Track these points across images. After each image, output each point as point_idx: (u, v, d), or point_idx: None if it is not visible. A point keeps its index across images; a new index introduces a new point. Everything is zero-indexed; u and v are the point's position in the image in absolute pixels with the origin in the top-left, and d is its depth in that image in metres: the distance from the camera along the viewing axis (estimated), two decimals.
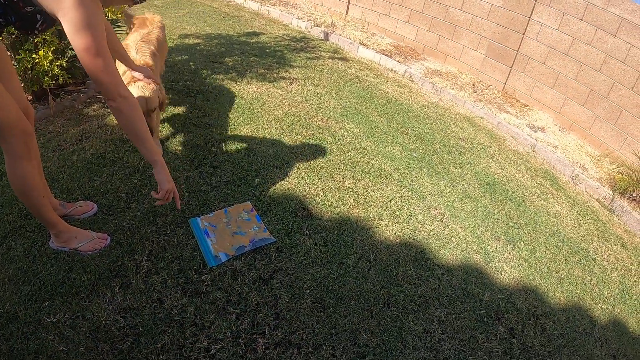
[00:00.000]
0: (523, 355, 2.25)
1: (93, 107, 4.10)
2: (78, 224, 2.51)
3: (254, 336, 2.01)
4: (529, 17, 5.04)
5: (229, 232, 2.47)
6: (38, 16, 1.93)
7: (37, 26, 2.00)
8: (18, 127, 2.01)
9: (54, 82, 3.93)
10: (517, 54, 5.25)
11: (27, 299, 2.21)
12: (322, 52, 5.69)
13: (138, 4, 2.05)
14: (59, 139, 3.59)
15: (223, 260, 2.32)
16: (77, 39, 1.85)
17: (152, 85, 2.81)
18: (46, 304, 2.17)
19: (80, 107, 4.14)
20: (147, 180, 2.87)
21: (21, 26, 2.00)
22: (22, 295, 2.23)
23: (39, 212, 2.29)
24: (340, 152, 3.33)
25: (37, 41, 3.91)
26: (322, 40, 6.38)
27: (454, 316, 2.31)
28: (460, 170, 3.55)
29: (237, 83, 4.26)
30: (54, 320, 2.09)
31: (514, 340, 2.31)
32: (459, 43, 5.86)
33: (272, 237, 2.47)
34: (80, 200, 2.66)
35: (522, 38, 5.17)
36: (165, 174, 2.14)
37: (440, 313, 2.30)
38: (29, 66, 3.89)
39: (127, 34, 3.58)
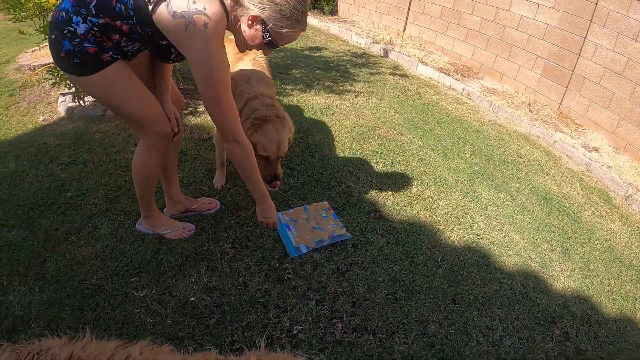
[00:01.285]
0: (577, 357, 2.41)
1: None
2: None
3: (333, 320, 2.25)
4: (584, 38, 5.16)
5: (309, 227, 2.74)
6: (172, 50, 2.18)
7: (171, 57, 2.27)
8: (158, 126, 2.29)
9: None
10: (572, 74, 5.36)
11: (114, 274, 2.48)
12: (383, 68, 5.96)
13: (274, 48, 2.17)
14: None
15: (304, 252, 2.58)
16: (202, 86, 2.07)
17: (289, 126, 2.70)
18: (133, 279, 2.43)
19: None
20: (230, 175, 3.15)
21: (156, 55, 2.29)
22: (109, 270, 2.50)
23: (145, 196, 2.56)
24: (407, 162, 3.57)
25: None
26: (381, 56, 6.65)
27: (513, 316, 2.49)
28: (518, 185, 3.74)
29: (306, 94, 4.57)
30: (142, 295, 2.34)
31: (568, 343, 2.47)
32: (515, 62, 6.01)
33: (349, 234, 2.73)
34: (202, 197, 2.94)
35: (578, 58, 5.28)
36: (270, 211, 2.41)
37: (501, 312, 2.49)
38: None
39: None
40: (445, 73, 5.94)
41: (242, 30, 2.05)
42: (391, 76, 5.62)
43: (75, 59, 2.03)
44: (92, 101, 4.87)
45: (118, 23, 1.99)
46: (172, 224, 2.71)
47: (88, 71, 2.08)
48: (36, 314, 2.26)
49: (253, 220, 2.76)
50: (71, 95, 4.99)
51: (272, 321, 2.20)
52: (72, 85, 4.61)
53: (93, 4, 1.96)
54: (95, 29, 1.99)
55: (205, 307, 2.25)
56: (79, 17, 1.98)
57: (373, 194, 3.11)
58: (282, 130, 2.57)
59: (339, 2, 8.87)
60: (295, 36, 2.09)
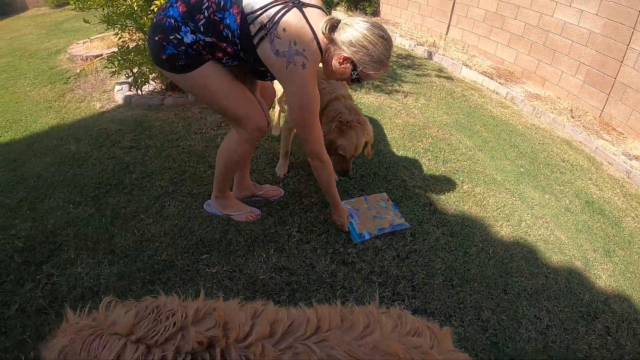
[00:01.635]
0: (617, 351, 2.56)
1: None
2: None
3: (395, 302, 2.44)
4: (627, 45, 5.19)
5: (370, 215, 2.95)
6: (268, 74, 2.38)
7: (265, 79, 2.54)
8: (254, 120, 2.46)
9: None
10: (614, 81, 5.41)
11: (184, 251, 2.67)
12: (429, 70, 6.14)
13: (358, 83, 2.41)
14: (199, 124, 4.16)
15: (366, 238, 2.79)
16: (295, 114, 2.35)
17: (367, 131, 2.96)
18: (204, 257, 2.62)
19: None
20: (291, 164, 3.39)
21: (251, 74, 2.53)
22: (179, 247, 2.69)
23: (224, 180, 2.76)
24: (457, 160, 3.76)
25: None
26: (426, 59, 6.83)
27: (559, 309, 2.66)
28: (562, 187, 3.90)
29: (357, 92, 4.78)
30: (214, 271, 2.53)
31: (609, 337, 2.61)
32: (558, 68, 6.08)
33: (408, 224, 2.93)
34: (267, 184, 3.17)
35: (620, 66, 5.31)
36: (342, 216, 2.78)
37: (548, 304, 2.66)
38: None
39: None
40: (489, 77, 6.08)
41: (333, 65, 2.28)
42: (437, 78, 5.79)
43: (179, 61, 2.23)
44: (149, 90, 5.11)
45: (223, 45, 2.20)
46: (240, 206, 2.91)
47: (190, 69, 2.27)
48: (105, 285, 2.44)
49: (317, 207, 2.98)
50: (127, 85, 5.25)
51: (339, 300, 2.40)
52: (130, 74, 4.86)
53: (202, 22, 2.16)
54: (201, 43, 2.19)
55: (275, 285, 2.44)
56: (187, 28, 2.17)
57: (427, 189, 3.31)
58: (362, 135, 2.89)
59: (381, 4, 9.01)
60: (378, 75, 2.33)
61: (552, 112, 5.45)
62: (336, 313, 1.20)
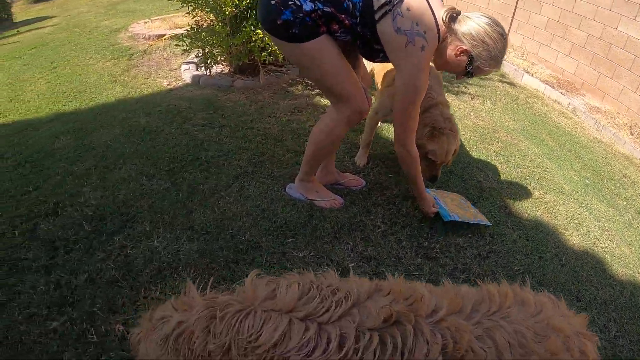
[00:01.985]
0: None
1: (297, 87, 4.75)
2: None
3: None
4: None
5: (453, 204, 3.03)
6: (381, 55, 2.37)
7: (376, 59, 2.49)
8: (356, 102, 2.47)
9: (271, 57, 4.56)
10: None
11: (268, 232, 2.67)
12: (491, 74, 6.19)
13: (468, 78, 2.41)
14: (272, 108, 4.25)
15: (456, 219, 2.85)
16: (401, 98, 2.35)
17: (457, 140, 3.06)
18: (289, 240, 2.64)
19: (284, 85, 4.79)
20: (371, 156, 3.48)
21: (362, 52, 2.51)
22: (262, 229, 2.69)
23: (315, 162, 2.77)
24: (527, 166, 3.85)
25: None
26: None
27: (625, 320, 2.74)
28: (625, 203, 3.97)
29: None
30: (301, 255, 2.54)
31: None
32: (619, 83, 6.03)
33: (489, 222, 3.03)
34: (348, 173, 3.23)
35: None
36: (428, 204, 2.84)
37: (615, 315, 2.74)
38: (243, 40, 4.51)
39: None
40: (550, 86, 6.11)
41: (448, 55, 2.28)
42: (499, 83, 5.84)
43: (293, 29, 2.19)
44: (217, 72, 5.22)
45: (342, 16, 2.18)
46: (325, 192, 2.94)
47: (302, 39, 2.24)
48: (185, 262, 2.43)
49: (398, 200, 3.08)
50: (194, 64, 5.38)
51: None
52: (200, 54, 4.98)
53: None
54: (319, 12, 2.15)
55: (364, 274, 2.45)
56: None
57: (501, 192, 3.41)
58: (453, 142, 2.99)
59: None
60: (490, 72, 2.35)
61: (613, 126, 5.48)
62: (510, 291, 1.21)
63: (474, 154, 3.81)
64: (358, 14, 2.17)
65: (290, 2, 2.13)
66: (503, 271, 2.75)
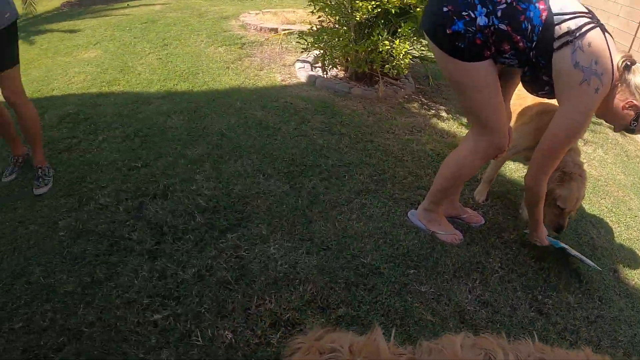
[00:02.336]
0: None
1: (413, 104, 4.77)
2: None
3: None
4: None
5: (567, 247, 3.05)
6: (547, 88, 2.29)
7: (538, 92, 2.43)
8: (498, 137, 2.44)
9: (395, 71, 4.58)
10: None
11: (390, 259, 2.60)
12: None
13: (628, 133, 2.41)
14: (390, 124, 4.27)
15: (566, 249, 2.94)
16: (556, 132, 2.28)
17: (585, 187, 2.99)
18: (412, 271, 2.60)
19: (400, 100, 4.81)
20: (490, 193, 3.48)
21: (526, 81, 2.42)
22: (384, 254, 2.63)
23: (443, 193, 2.78)
24: (637, 229, 3.81)
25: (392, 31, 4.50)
26: None
27: None
28: None
29: None
30: (422, 290, 2.47)
31: None
32: None
33: (598, 267, 3.03)
34: (468, 208, 3.24)
35: None
36: (541, 235, 2.91)
37: None
38: (368, 49, 4.48)
39: None
40: None
41: (614, 104, 2.22)
42: (610, 130, 5.71)
43: (461, 43, 2.12)
44: (333, 75, 5.28)
45: (517, 37, 2.11)
46: (447, 226, 2.94)
47: (465, 57, 2.17)
48: (304, 276, 2.37)
49: (516, 245, 3.10)
50: (309, 64, 5.46)
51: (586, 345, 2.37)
52: (319, 55, 5.05)
53: (502, 6, 2.06)
54: (492, 29, 2.10)
55: (480, 320, 2.43)
56: (484, 9, 2.06)
57: (612, 253, 3.39)
58: (582, 188, 2.94)
59: None
60: None
61: None
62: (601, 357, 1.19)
63: (587, 207, 3.80)
64: (535, 38, 2.10)
65: (464, 13, 2.07)
66: (608, 339, 2.77)
